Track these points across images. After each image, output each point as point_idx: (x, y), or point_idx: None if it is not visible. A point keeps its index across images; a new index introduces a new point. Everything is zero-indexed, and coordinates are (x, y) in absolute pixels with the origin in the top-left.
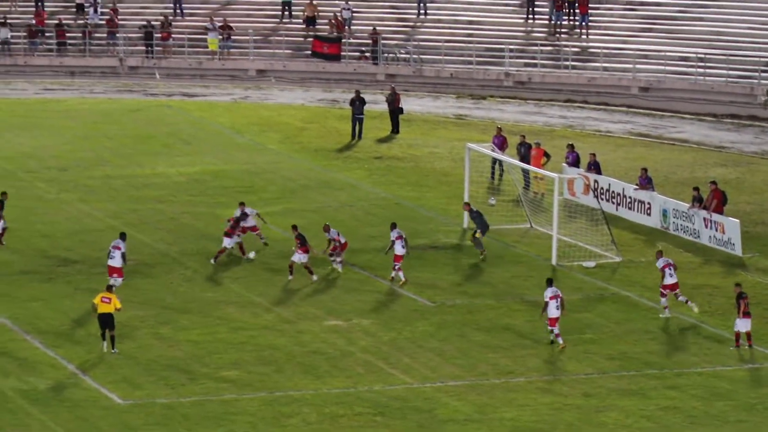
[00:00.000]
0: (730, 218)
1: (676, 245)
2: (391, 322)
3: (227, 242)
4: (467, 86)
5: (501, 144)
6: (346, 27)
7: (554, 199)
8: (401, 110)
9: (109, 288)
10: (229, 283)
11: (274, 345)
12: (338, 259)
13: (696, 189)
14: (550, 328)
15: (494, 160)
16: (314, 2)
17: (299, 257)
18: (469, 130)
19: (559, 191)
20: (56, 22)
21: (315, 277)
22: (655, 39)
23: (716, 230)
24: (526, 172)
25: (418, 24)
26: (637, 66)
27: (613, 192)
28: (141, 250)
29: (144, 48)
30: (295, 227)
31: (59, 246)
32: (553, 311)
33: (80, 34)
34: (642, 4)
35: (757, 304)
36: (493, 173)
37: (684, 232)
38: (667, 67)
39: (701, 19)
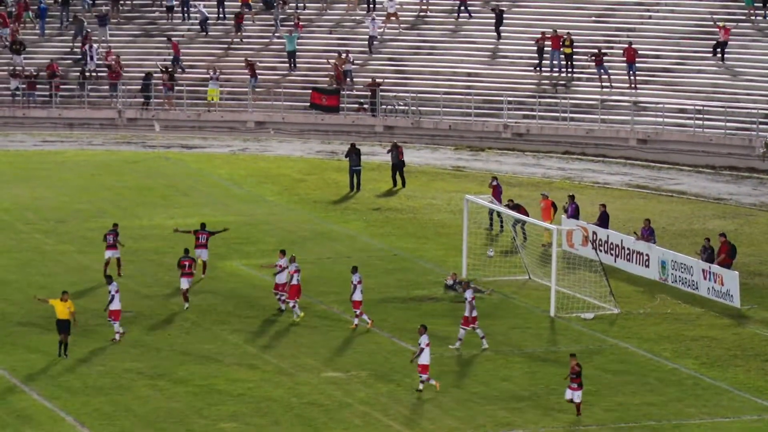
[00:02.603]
0: (729, 270)
1: (674, 296)
2: (389, 373)
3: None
4: (465, 138)
5: (499, 193)
6: (348, 79)
7: (553, 250)
8: (403, 163)
9: (64, 294)
10: (226, 335)
11: (272, 397)
12: (284, 303)
13: (707, 239)
14: (424, 375)
15: (492, 210)
16: (344, 56)
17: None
18: (467, 181)
19: (557, 243)
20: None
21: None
22: (654, 91)
23: (715, 282)
24: (522, 225)
25: (415, 76)
26: (636, 118)
27: (611, 243)
28: (139, 302)
29: (143, 100)
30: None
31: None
32: (425, 358)
33: (78, 86)
34: (640, 56)
35: (755, 356)
36: (491, 224)
37: (682, 283)
38: (666, 119)
39: (699, 72)
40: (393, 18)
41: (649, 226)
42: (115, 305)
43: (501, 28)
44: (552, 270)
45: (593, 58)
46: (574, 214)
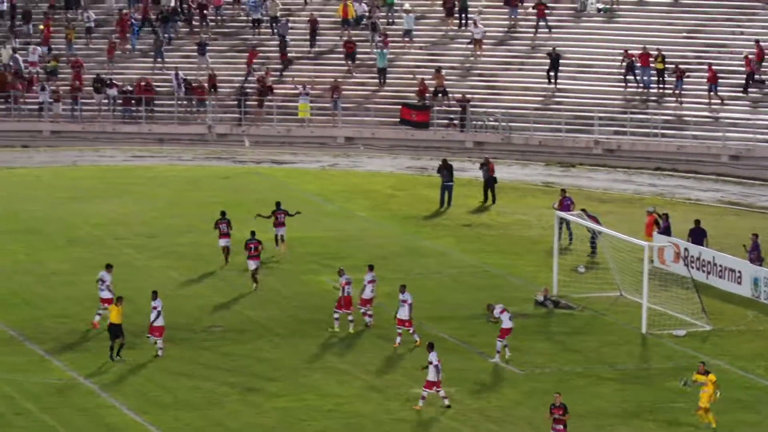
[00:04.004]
0: None
1: (766, 314)
2: (478, 389)
3: None
4: (556, 154)
5: (569, 207)
6: (439, 95)
7: (644, 267)
8: (495, 179)
9: (119, 299)
10: (316, 350)
11: (361, 412)
12: (345, 316)
13: None
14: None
15: (562, 223)
16: (442, 72)
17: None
18: (558, 197)
19: (649, 259)
20: (144, 85)
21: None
22: (745, 107)
23: None
24: (593, 240)
25: (505, 91)
26: (727, 134)
27: (703, 260)
28: (229, 317)
29: (235, 115)
30: (252, 232)
31: (143, 312)
32: (432, 375)
33: (169, 101)
34: (732, 72)
35: None
36: (570, 237)
37: None
38: (758, 135)
39: None
40: (477, 46)
41: (756, 241)
42: (159, 321)
43: (561, 68)
44: (644, 286)
45: (675, 74)
46: (666, 230)
